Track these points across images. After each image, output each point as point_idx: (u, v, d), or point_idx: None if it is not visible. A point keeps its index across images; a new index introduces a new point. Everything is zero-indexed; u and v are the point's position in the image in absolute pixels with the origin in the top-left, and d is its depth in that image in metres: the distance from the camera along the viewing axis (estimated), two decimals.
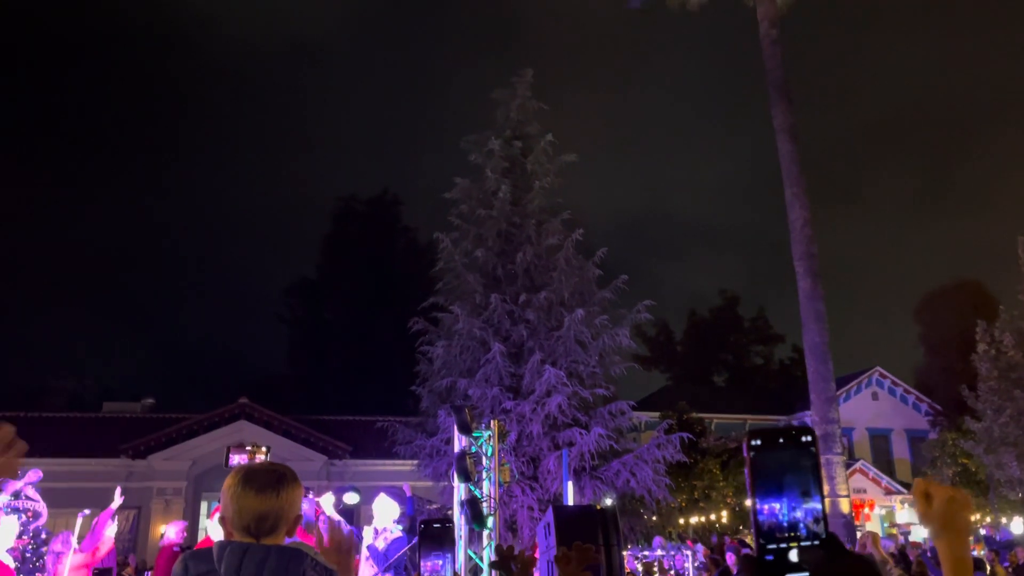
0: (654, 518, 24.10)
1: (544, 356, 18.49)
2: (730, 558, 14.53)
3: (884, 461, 34.34)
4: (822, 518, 1.48)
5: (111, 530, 8.67)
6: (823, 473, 1.57)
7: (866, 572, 1.45)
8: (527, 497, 17.85)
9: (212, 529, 7.00)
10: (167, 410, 30.64)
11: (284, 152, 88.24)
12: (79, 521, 8.52)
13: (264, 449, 8.31)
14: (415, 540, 7.80)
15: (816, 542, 1.45)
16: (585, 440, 17.79)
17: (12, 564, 7.68)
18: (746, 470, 1.50)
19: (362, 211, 52.07)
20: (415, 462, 20.66)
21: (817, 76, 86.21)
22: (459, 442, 10.75)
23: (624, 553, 14.06)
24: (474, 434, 10.67)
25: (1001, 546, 19.53)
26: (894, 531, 28.24)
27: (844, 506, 20.49)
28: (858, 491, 29.19)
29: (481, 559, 10.44)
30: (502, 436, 11.05)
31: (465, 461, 10.05)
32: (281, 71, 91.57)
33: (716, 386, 48.74)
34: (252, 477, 2.17)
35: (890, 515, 31.27)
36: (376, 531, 8.23)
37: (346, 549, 2.36)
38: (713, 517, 27.09)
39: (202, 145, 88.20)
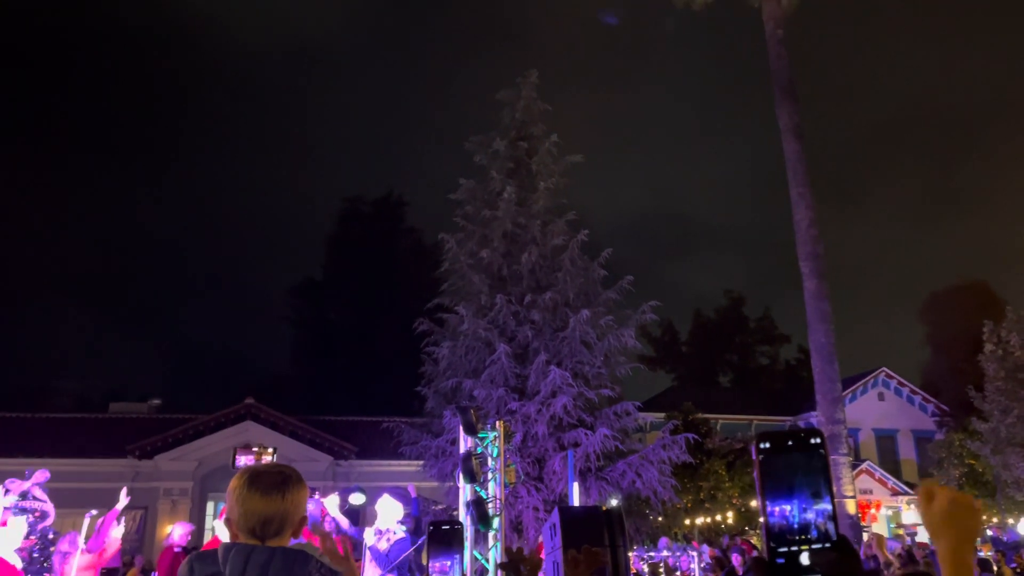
0: (660, 519, 24.07)
1: (549, 357, 18.48)
2: (736, 559, 14.51)
3: (890, 462, 34.24)
4: (833, 520, 1.47)
5: (117, 531, 8.69)
6: (832, 475, 1.55)
7: None
8: (533, 498, 17.84)
9: (220, 530, 7.02)
10: (173, 411, 30.75)
11: (289, 153, 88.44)
12: (86, 521, 8.54)
13: (271, 450, 8.34)
14: (421, 541, 7.81)
15: (827, 544, 1.44)
16: (590, 441, 17.78)
17: (20, 564, 7.70)
18: (755, 473, 1.49)
19: (367, 212, 52.20)
20: (420, 463, 20.67)
21: (823, 76, 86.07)
22: (464, 443, 10.75)
23: (630, 554, 14.05)
24: (479, 435, 10.66)
25: (1008, 547, 19.46)
26: (900, 532, 28.18)
27: (850, 507, 20.43)
28: (864, 492, 29.12)
29: (487, 560, 10.43)
30: (507, 437, 11.04)
31: (471, 462, 10.04)
32: (285, 72, 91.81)
33: (722, 387, 48.69)
34: (257, 479, 2.16)
35: (896, 516, 31.18)
36: (379, 532, 8.23)
37: (346, 553, 2.36)
38: (719, 518, 27.05)
39: (207, 147, 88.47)
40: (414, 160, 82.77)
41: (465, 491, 10.48)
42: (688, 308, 75.03)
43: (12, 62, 74.30)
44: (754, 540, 18.98)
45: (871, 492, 30.44)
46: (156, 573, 9.95)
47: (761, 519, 1.48)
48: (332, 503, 9.51)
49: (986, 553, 18.51)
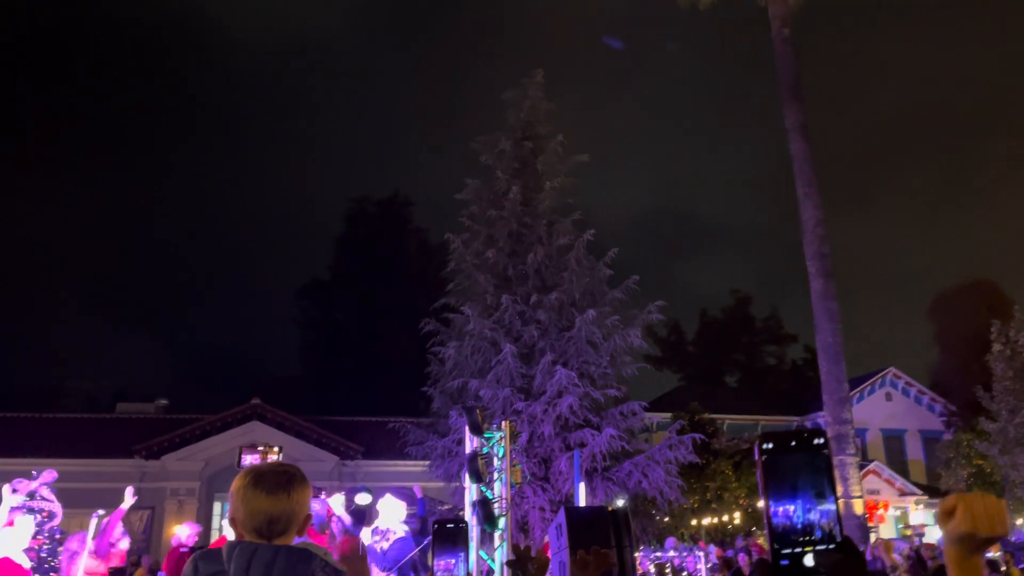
0: (666, 519, 24.03)
1: (555, 357, 18.47)
2: (742, 559, 14.49)
3: (898, 462, 34.12)
4: (837, 521, 1.46)
5: (124, 543, 8.73)
6: (836, 475, 1.54)
7: None
8: (539, 498, 17.84)
9: (228, 530, 7.03)
10: (180, 411, 30.81)
11: (295, 154, 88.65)
12: (93, 521, 8.57)
13: (276, 449, 8.35)
14: (426, 541, 7.80)
15: (831, 545, 1.43)
16: (597, 441, 17.76)
17: (28, 564, 7.73)
18: (758, 473, 1.49)
19: (373, 212, 52.23)
20: (427, 463, 20.68)
21: (830, 75, 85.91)
22: (470, 443, 10.74)
23: (636, 554, 14.03)
24: (485, 435, 10.65)
25: (1016, 547, 19.35)
26: (908, 532, 28.06)
27: (858, 507, 20.37)
28: (872, 492, 29.02)
29: (493, 560, 10.43)
30: (513, 437, 11.03)
31: (476, 462, 10.03)
32: (291, 73, 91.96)
33: (728, 387, 48.57)
34: (262, 479, 2.17)
35: (904, 516, 31.06)
36: (380, 531, 8.23)
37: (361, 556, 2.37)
38: (725, 518, 27.00)
39: (213, 147, 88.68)
40: (420, 160, 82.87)
41: (471, 491, 10.48)
42: (694, 308, 74.96)
43: (18, 63, 74.65)
44: (762, 542, 18.93)
45: (879, 492, 30.33)
46: (163, 573, 9.98)
47: (765, 520, 1.47)
48: (337, 502, 9.53)
49: (994, 554, 18.42)
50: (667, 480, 18.43)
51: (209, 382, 59.97)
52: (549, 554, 7.69)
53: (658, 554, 18.56)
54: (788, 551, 1.43)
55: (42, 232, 77.36)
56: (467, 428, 10.82)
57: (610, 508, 7.69)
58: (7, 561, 7.26)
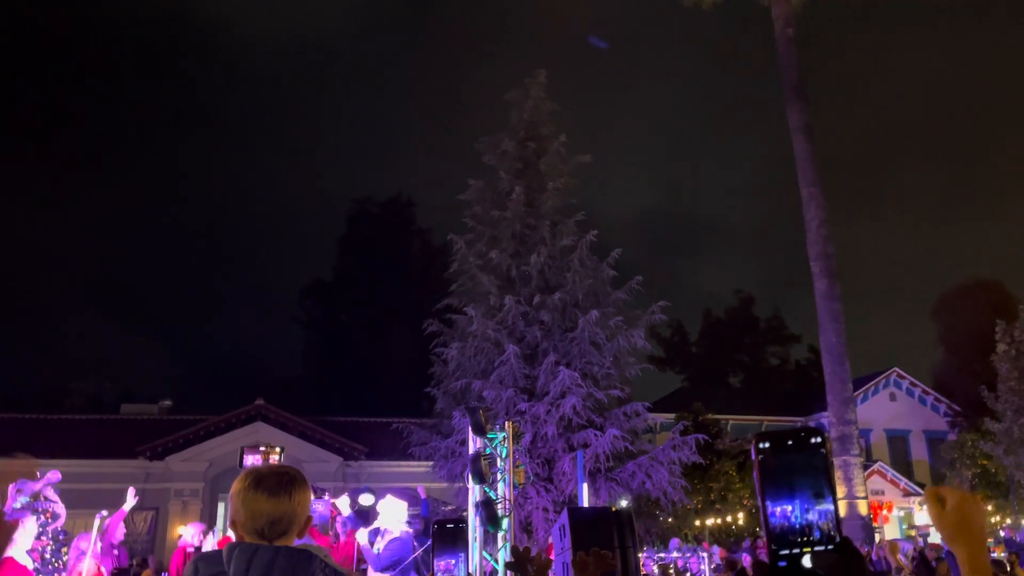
0: (670, 520, 24.00)
1: (559, 357, 18.46)
2: (746, 559, 14.46)
3: (902, 463, 34.04)
4: (835, 521, 1.45)
5: (119, 531, 8.76)
6: (835, 475, 1.52)
7: None
8: (542, 499, 17.83)
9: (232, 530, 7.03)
10: (184, 412, 30.86)
11: (299, 155, 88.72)
12: (96, 522, 8.58)
13: (278, 449, 8.34)
14: (428, 542, 7.79)
15: (830, 546, 1.42)
16: (600, 442, 17.75)
17: (31, 565, 7.74)
18: (755, 474, 1.48)
19: (376, 213, 52.24)
20: (430, 463, 20.69)
21: (833, 74, 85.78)
22: (473, 444, 10.74)
23: (640, 555, 14.02)
24: (488, 435, 10.65)
25: (1021, 547, 19.30)
26: (912, 533, 28.00)
27: (862, 508, 20.34)
28: (876, 493, 28.97)
29: (496, 561, 10.42)
30: (517, 437, 11.03)
31: (479, 462, 10.03)
32: (294, 74, 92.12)
33: (732, 387, 48.52)
34: (263, 480, 2.17)
35: (908, 517, 30.99)
36: (380, 532, 8.22)
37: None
38: (729, 519, 26.96)
39: (217, 149, 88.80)
40: (423, 161, 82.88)
41: (474, 492, 10.48)
42: (698, 308, 74.94)
43: (23, 64, 74.88)
44: None
45: (883, 493, 30.27)
46: (167, 573, 10.00)
47: (762, 521, 1.46)
48: (344, 504, 9.55)
49: (999, 554, 18.38)
50: (671, 481, 18.41)
51: (213, 383, 60.06)
52: (552, 555, 7.68)
53: (662, 555, 18.55)
54: (786, 552, 1.42)
55: (46, 233, 77.60)
56: (470, 429, 10.82)
57: (614, 509, 7.68)
58: (10, 562, 7.27)
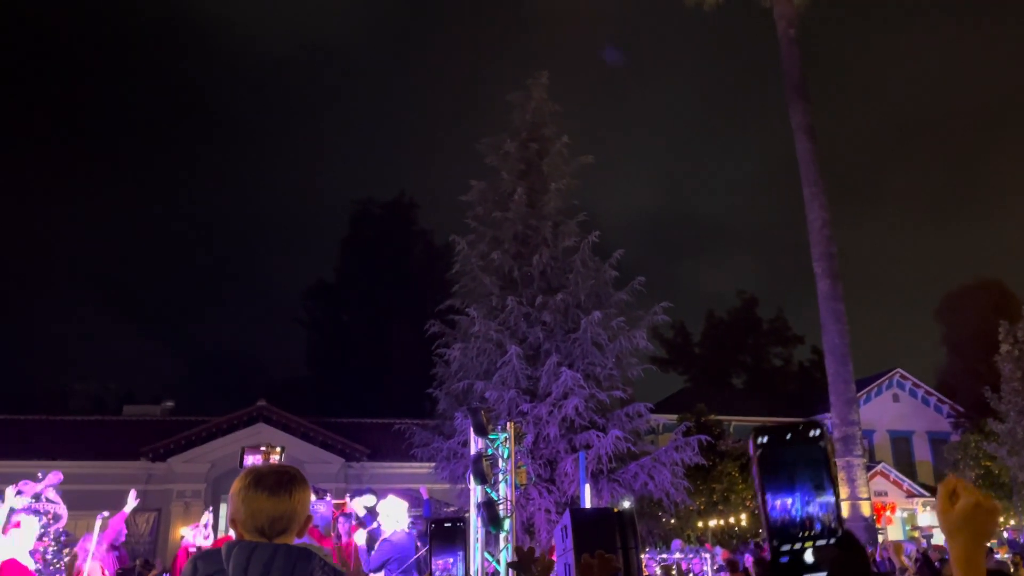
0: (672, 521, 23.97)
1: (561, 358, 18.45)
2: (748, 559, 14.44)
3: (905, 463, 33.98)
4: (837, 514, 1.43)
5: (120, 532, 8.77)
6: (836, 468, 1.50)
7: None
8: (544, 500, 17.80)
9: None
10: (186, 413, 30.89)
11: (301, 156, 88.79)
12: (98, 523, 8.60)
13: (278, 449, 8.35)
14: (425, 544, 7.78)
15: (832, 540, 1.40)
16: (602, 442, 17.72)
17: (33, 566, 7.74)
18: (754, 469, 1.46)
19: (379, 214, 52.29)
20: (432, 464, 20.67)
21: (836, 75, 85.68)
22: (475, 444, 10.72)
23: (642, 556, 13.99)
24: (490, 436, 10.63)
25: None
26: (916, 534, 27.94)
27: (865, 509, 20.29)
28: (879, 494, 28.90)
29: (498, 561, 10.40)
30: (518, 438, 11.01)
31: (481, 463, 10.01)
32: (296, 76, 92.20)
33: (734, 388, 48.46)
34: (263, 479, 2.18)
35: (912, 518, 30.93)
36: (379, 532, 8.22)
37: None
38: (732, 520, 26.92)
39: (220, 150, 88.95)
40: (425, 162, 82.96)
41: (476, 492, 10.46)
42: (700, 309, 74.88)
43: (29, 64, 74.98)
44: None
45: (886, 494, 30.20)
46: (170, 574, 10.01)
47: (762, 517, 1.45)
48: (359, 504, 9.57)
49: (1003, 555, 18.34)
50: (673, 482, 18.38)
51: (215, 384, 60.16)
52: (555, 556, 7.66)
53: (664, 556, 18.51)
54: (787, 547, 1.40)
55: (50, 234, 77.75)
56: (472, 430, 10.80)
57: (616, 510, 7.66)
58: (13, 562, 7.28)
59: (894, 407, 35.45)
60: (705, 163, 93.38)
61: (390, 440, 25.52)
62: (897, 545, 14.14)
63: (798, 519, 1.41)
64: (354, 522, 9.81)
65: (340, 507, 10.77)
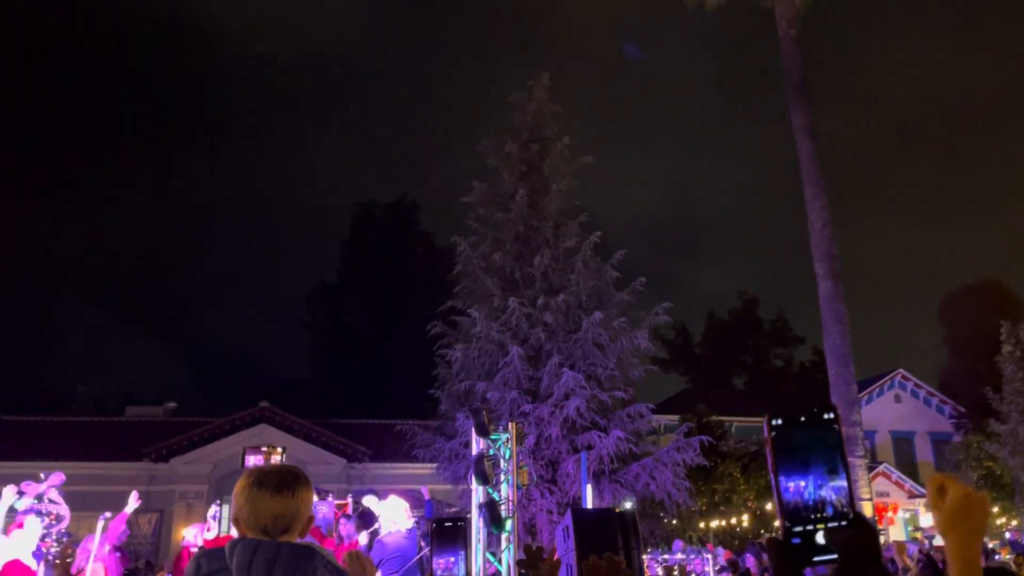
0: (674, 522, 23.97)
1: (562, 359, 18.46)
2: (749, 560, 14.43)
3: (907, 464, 33.95)
4: (849, 496, 1.45)
5: (121, 533, 8.78)
6: (847, 450, 1.52)
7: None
8: (546, 500, 17.81)
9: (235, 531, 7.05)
10: (189, 414, 30.92)
11: (303, 157, 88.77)
12: (99, 524, 8.61)
13: (280, 450, 8.37)
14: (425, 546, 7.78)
15: (843, 522, 1.42)
16: (604, 443, 17.73)
17: (35, 566, 7.76)
18: (767, 450, 1.48)
19: (381, 216, 52.27)
20: (434, 465, 20.68)
21: (837, 75, 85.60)
22: (477, 445, 10.72)
23: (644, 557, 13.98)
24: (492, 437, 10.64)
25: None
26: (918, 535, 27.90)
27: (867, 510, 20.27)
28: (881, 494, 28.88)
29: (500, 562, 10.41)
30: (520, 439, 11.01)
31: (483, 464, 10.01)
32: (297, 77, 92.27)
33: (736, 389, 48.45)
34: (267, 479, 2.19)
35: (914, 519, 30.90)
36: (379, 532, 8.23)
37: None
38: (734, 521, 26.90)
39: (222, 151, 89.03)
40: (427, 163, 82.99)
41: (478, 493, 10.46)
42: (702, 310, 74.63)
43: (28, 64, 75.06)
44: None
45: (888, 495, 30.18)
46: (172, 574, 10.02)
47: (775, 498, 1.46)
48: (373, 503, 9.55)
49: (1004, 556, 18.32)
50: (675, 482, 18.38)
51: (218, 385, 60.23)
52: (556, 556, 7.67)
53: (666, 557, 18.50)
54: (800, 528, 1.42)
55: (52, 235, 77.80)
56: (473, 430, 10.81)
57: (617, 510, 7.68)
58: (16, 563, 7.29)
59: (896, 408, 35.42)
60: (706, 163, 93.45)
61: (392, 441, 25.54)
62: (900, 545, 14.11)
63: (811, 501, 1.43)
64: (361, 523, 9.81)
65: (342, 508, 10.79)
